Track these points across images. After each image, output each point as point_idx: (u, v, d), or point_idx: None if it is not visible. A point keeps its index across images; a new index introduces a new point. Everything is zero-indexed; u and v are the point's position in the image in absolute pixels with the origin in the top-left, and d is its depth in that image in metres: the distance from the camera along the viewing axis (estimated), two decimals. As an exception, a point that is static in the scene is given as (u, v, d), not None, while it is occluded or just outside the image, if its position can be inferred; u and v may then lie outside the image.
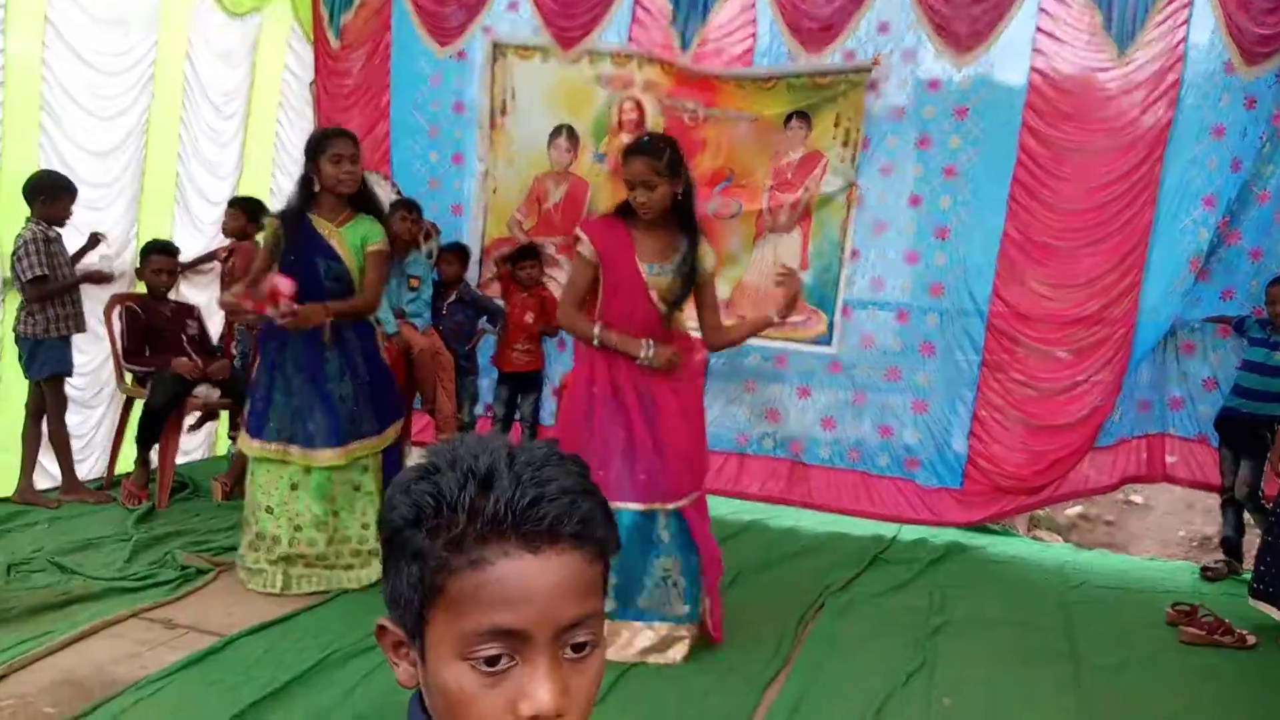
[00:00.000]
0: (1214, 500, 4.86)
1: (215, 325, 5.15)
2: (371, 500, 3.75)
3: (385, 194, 4.97)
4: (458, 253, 5.28)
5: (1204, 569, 4.54)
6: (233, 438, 4.91)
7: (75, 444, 4.61)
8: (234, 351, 5.02)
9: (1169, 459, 4.76)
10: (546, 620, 0.71)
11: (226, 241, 5.21)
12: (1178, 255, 4.54)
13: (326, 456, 3.63)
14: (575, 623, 0.73)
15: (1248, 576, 3.94)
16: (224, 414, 5.17)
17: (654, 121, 5.16)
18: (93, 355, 4.80)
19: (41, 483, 4.51)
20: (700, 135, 5.10)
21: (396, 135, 5.74)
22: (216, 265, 5.30)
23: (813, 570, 4.26)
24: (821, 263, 5.09)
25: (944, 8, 4.70)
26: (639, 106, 5.24)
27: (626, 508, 3.12)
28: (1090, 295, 4.64)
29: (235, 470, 4.57)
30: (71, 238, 4.49)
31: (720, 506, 4.83)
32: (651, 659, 3.22)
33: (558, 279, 5.35)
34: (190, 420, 5.02)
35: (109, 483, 4.74)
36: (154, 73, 5.02)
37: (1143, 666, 3.43)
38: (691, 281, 3.22)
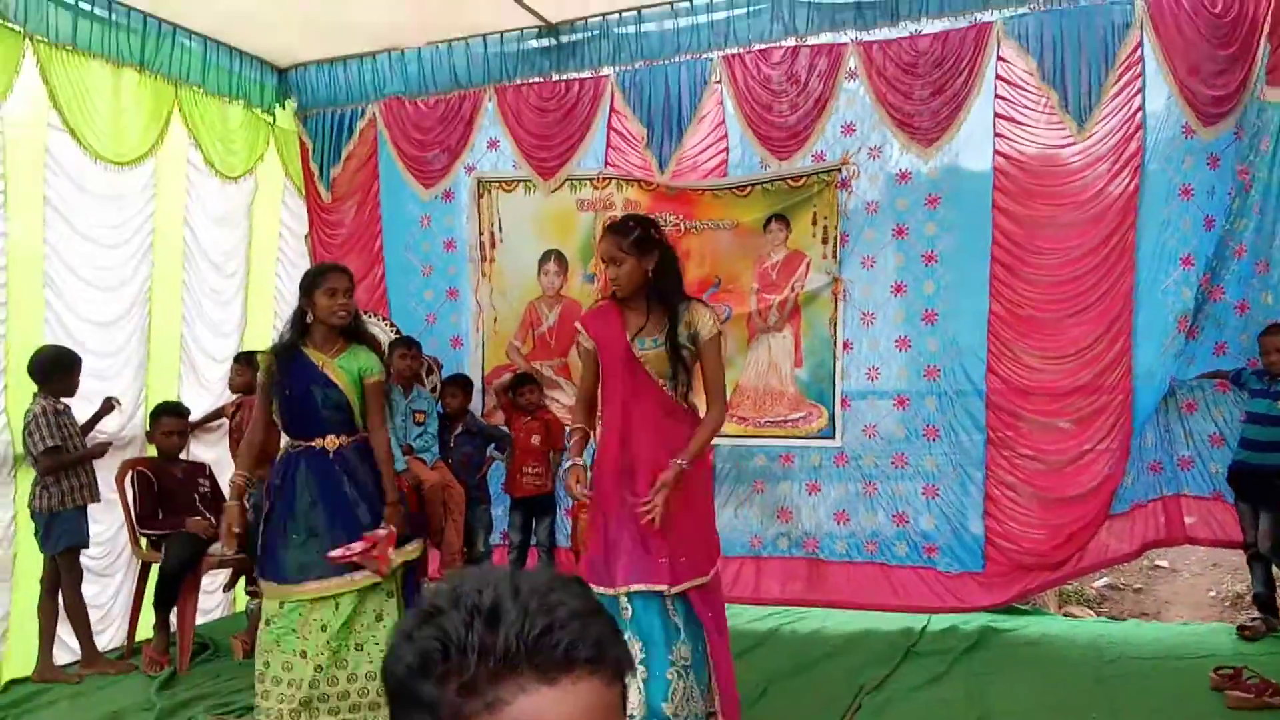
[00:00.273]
0: (1240, 557, 4.79)
1: (225, 480, 5.17)
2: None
3: (384, 334, 5.08)
4: (461, 384, 5.36)
5: (1241, 628, 4.46)
6: (250, 593, 4.88)
7: (94, 614, 4.58)
8: (247, 504, 5.01)
9: (1188, 520, 4.69)
10: None
11: (233, 397, 5.29)
12: (1164, 316, 4.59)
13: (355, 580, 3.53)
14: None
15: (1285, 632, 3.87)
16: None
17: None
18: (108, 524, 4.81)
19: (61, 656, 4.45)
20: (684, 246, 5.21)
21: (392, 277, 5.92)
22: (224, 421, 5.37)
23: (845, 671, 4.19)
24: (815, 359, 5.17)
25: (905, 104, 4.86)
26: (622, 223, 5.39)
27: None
28: (1082, 365, 4.67)
29: (254, 626, 4.53)
30: (81, 407, 4.54)
31: (742, 615, 4.77)
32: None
33: (560, 400, 5.44)
34: (223, 578, 4.97)
35: (130, 650, 4.70)
36: (153, 241, 5.18)
37: (1192, 739, 3.35)
38: (680, 351, 3.16)
